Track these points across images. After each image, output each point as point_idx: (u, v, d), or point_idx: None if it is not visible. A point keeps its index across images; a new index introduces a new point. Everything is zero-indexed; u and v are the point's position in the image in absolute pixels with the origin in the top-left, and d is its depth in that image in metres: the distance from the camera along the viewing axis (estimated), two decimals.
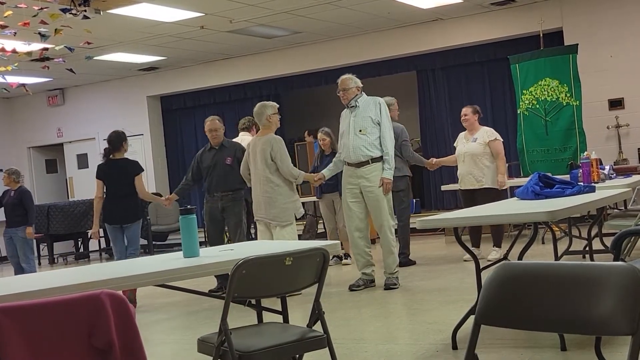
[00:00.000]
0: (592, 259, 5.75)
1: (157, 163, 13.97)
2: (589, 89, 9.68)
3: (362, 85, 6.74)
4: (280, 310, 3.33)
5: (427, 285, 6.73)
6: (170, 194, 7.95)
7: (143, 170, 7.38)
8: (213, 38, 11.07)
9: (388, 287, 6.60)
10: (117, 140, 7.19)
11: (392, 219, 6.67)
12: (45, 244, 12.97)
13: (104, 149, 7.33)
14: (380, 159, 6.54)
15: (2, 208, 8.90)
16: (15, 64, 6.23)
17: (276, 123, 6.83)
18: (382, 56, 11.86)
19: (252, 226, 7.89)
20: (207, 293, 4.19)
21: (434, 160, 8.34)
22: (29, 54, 6.11)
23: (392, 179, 6.57)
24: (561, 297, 1.95)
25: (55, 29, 5.70)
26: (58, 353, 2.28)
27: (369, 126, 6.55)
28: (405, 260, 7.80)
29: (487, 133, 7.89)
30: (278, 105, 6.95)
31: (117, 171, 7.16)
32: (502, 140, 7.97)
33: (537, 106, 9.49)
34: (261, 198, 6.67)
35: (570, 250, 6.84)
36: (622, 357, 3.67)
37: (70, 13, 6.00)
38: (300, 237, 9.46)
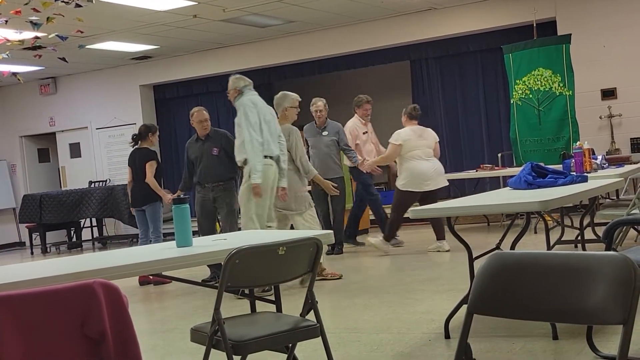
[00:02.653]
0: (584, 249, 5.78)
1: None
2: (582, 78, 9.69)
3: (244, 85, 6.37)
4: (274, 299, 3.34)
5: (419, 275, 6.75)
6: (164, 184, 8.02)
7: (154, 159, 7.93)
8: (206, 27, 11.02)
9: None
10: (145, 131, 8.03)
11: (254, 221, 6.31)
12: (38, 234, 12.93)
13: (132, 136, 8.16)
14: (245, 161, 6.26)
15: None
16: (7, 53, 6.17)
17: (292, 117, 6.72)
18: (375, 46, 11.82)
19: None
20: (200, 282, 4.19)
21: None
22: (21, 42, 6.05)
23: (257, 182, 6.13)
24: (553, 287, 1.96)
25: (47, 18, 5.65)
26: (51, 342, 2.28)
27: (236, 130, 6.37)
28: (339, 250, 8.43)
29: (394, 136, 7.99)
30: (300, 99, 6.77)
31: (139, 159, 7.95)
32: (397, 144, 7.84)
33: (530, 96, 9.51)
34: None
35: (562, 239, 6.87)
36: (613, 346, 3.69)
37: (62, 1, 5.94)
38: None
